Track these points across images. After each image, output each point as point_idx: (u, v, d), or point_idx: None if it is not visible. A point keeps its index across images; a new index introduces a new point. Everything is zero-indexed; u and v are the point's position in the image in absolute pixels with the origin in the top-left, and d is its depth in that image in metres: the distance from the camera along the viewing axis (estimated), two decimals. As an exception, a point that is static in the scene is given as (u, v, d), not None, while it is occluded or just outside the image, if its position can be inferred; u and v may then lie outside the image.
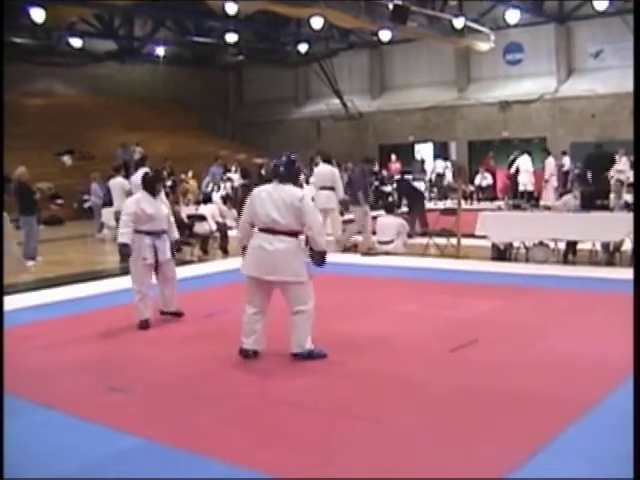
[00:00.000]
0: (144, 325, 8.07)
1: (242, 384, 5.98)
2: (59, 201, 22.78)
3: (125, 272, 12.19)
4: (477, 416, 5.07)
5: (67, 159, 27.10)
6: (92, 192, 18.86)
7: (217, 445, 4.73)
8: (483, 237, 12.33)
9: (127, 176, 14.27)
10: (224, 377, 6.20)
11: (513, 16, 24.71)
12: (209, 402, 5.55)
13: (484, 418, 5.04)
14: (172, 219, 8.58)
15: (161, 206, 8.36)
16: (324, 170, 14.22)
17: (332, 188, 13.82)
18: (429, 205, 21.12)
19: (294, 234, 6.44)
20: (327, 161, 14.54)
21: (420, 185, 20.94)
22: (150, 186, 8.31)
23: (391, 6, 22.51)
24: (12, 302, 9.49)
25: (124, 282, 11.24)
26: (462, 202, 14.83)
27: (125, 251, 8.01)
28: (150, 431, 4.93)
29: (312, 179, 16.07)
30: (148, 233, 8.11)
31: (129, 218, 8.01)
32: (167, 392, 5.83)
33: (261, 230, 6.48)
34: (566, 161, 23.36)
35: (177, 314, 8.49)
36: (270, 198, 6.41)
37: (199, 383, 6.05)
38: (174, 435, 4.86)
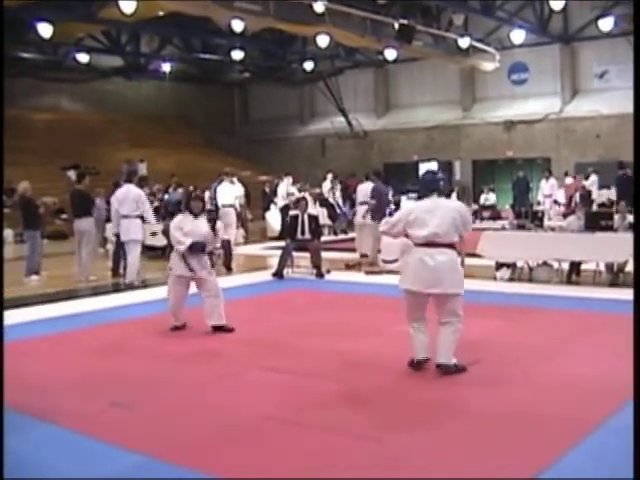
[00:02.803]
0: (174, 329, 8.65)
1: (242, 401, 5.96)
2: (64, 216, 22.76)
3: (125, 289, 12.32)
4: (480, 437, 5.04)
5: (72, 174, 27.13)
6: (95, 207, 18.84)
7: (217, 462, 4.71)
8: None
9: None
10: (225, 393, 6.18)
11: (518, 36, 24.84)
12: (210, 418, 5.54)
13: (487, 439, 5.01)
14: (211, 236, 8.73)
15: (200, 224, 8.62)
16: (367, 187, 15.27)
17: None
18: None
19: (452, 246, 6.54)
20: (368, 178, 15.82)
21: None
22: (187, 205, 8.84)
23: (397, 25, 22.64)
24: (16, 316, 9.48)
25: (126, 298, 11.34)
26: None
27: (195, 246, 8.42)
28: (151, 447, 4.92)
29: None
30: (189, 250, 8.46)
31: (175, 229, 8.61)
32: (168, 408, 5.81)
33: (422, 245, 6.53)
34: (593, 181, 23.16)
35: (220, 328, 8.48)
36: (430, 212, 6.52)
37: (200, 399, 6.03)
38: (175, 451, 4.84)
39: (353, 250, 15.58)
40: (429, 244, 6.44)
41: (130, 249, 12.51)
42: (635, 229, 10.44)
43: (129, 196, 12.54)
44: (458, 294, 6.52)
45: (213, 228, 8.63)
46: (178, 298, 8.68)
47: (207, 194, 21.20)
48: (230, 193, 17.69)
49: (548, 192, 23.36)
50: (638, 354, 5.05)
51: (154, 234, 15.31)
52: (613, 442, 4.83)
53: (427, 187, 6.75)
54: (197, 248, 8.46)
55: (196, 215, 8.67)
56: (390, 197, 18.96)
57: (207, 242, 8.60)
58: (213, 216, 8.82)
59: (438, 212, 6.46)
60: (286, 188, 21.75)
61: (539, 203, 23.04)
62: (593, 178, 23.43)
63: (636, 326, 5.53)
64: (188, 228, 8.53)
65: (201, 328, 8.59)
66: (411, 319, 6.71)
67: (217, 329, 8.48)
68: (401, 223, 6.68)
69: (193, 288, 8.72)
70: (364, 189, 15.46)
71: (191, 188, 21.83)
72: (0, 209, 12.81)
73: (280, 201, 21.48)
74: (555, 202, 22.95)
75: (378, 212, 13.96)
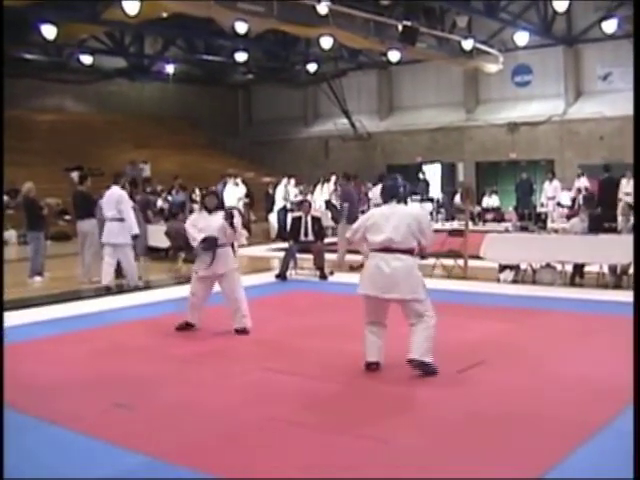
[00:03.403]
0: (181, 327, 8.64)
1: (244, 401, 5.96)
2: (67, 217, 22.78)
3: (129, 290, 12.33)
4: (484, 438, 5.04)
5: (75, 175, 27.15)
6: (98, 208, 18.83)
7: (220, 463, 4.71)
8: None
9: (132, 194, 14.18)
10: (228, 394, 6.18)
11: (522, 38, 24.83)
12: (212, 419, 5.54)
13: (491, 440, 5.01)
14: (229, 230, 8.53)
15: (213, 220, 8.53)
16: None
17: None
18: (436, 226, 21.05)
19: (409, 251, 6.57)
20: (382, 180, 15.56)
21: (426, 206, 21.09)
22: (202, 203, 8.99)
23: (400, 27, 22.66)
24: (19, 317, 9.51)
25: (130, 299, 11.34)
26: (469, 223, 14.81)
27: (208, 240, 8.39)
28: (153, 448, 4.92)
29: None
30: (202, 248, 8.47)
31: (189, 226, 8.71)
32: (170, 408, 5.81)
33: (378, 250, 6.58)
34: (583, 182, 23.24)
35: (239, 331, 8.46)
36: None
37: (202, 400, 6.03)
38: (177, 452, 4.84)
39: (356, 252, 15.49)
40: (385, 249, 6.51)
41: (120, 255, 12.19)
42: (635, 230, 10.43)
43: (112, 198, 12.26)
44: (416, 299, 6.50)
45: (232, 224, 8.50)
46: (198, 298, 8.64)
47: None
48: (234, 195, 17.77)
49: (551, 194, 23.34)
50: (638, 357, 5.04)
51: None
52: (617, 444, 4.82)
53: (387, 193, 6.87)
54: (209, 242, 8.38)
55: (210, 211, 8.61)
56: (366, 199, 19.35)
57: (220, 237, 8.45)
58: (230, 212, 8.70)
59: (394, 218, 6.53)
60: (284, 190, 21.72)
61: (542, 205, 23.01)
62: (583, 180, 23.46)
63: (636, 328, 5.52)
64: (202, 224, 8.53)
65: (207, 329, 8.61)
66: (368, 322, 6.77)
67: (239, 332, 8.45)
68: (362, 229, 6.77)
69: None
70: (378, 191, 15.58)
71: (197, 191, 21.92)
72: (0, 210, 12.76)
73: (278, 203, 21.42)
74: (558, 204, 22.92)
75: (350, 215, 14.05)
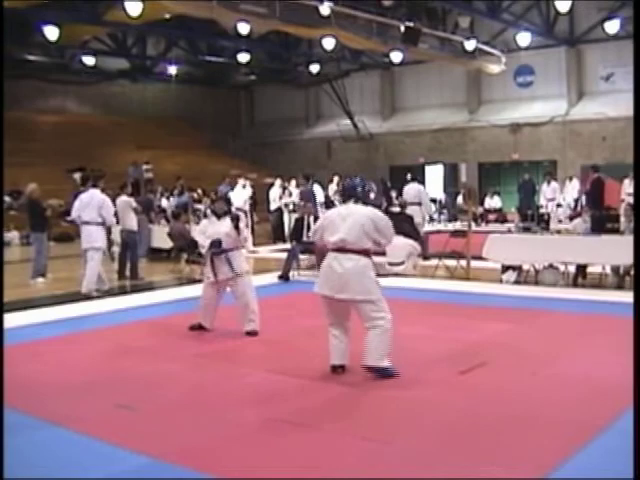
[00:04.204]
0: (194, 327, 8.69)
1: (249, 403, 5.96)
2: (69, 218, 22.80)
3: (132, 291, 12.34)
4: (485, 439, 5.04)
5: (78, 177, 27.18)
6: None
7: (223, 463, 4.71)
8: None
9: (133, 194, 14.19)
10: (231, 395, 6.18)
11: (524, 39, 24.82)
12: (215, 420, 5.54)
13: (492, 441, 5.01)
14: (234, 233, 8.55)
15: (221, 225, 8.54)
16: (412, 188, 16.25)
17: (419, 204, 15.86)
18: (439, 227, 21.10)
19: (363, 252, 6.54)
20: (414, 180, 16.99)
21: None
22: (211, 208, 9.02)
23: (403, 28, 22.66)
24: (22, 318, 9.53)
25: (133, 300, 11.36)
26: (472, 224, 14.81)
27: (214, 244, 8.40)
28: (156, 449, 4.92)
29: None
30: (212, 253, 8.47)
31: (197, 234, 8.82)
32: (173, 409, 5.82)
33: (333, 250, 6.59)
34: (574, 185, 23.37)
35: (250, 333, 8.44)
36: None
37: (205, 401, 6.04)
38: (180, 453, 4.84)
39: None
40: (339, 249, 6.50)
41: (89, 257, 11.78)
42: (635, 231, 10.42)
43: (92, 202, 11.88)
44: (368, 300, 6.44)
45: (237, 227, 8.52)
46: (207, 301, 8.67)
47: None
48: (241, 197, 17.87)
49: (550, 196, 23.23)
50: (638, 358, 5.03)
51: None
52: (619, 445, 4.80)
53: (346, 193, 6.91)
54: (214, 246, 8.39)
55: (219, 216, 8.62)
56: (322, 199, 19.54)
57: (228, 241, 8.46)
58: (235, 215, 8.72)
59: (350, 218, 6.51)
60: (278, 191, 21.71)
61: (540, 207, 22.93)
62: (574, 182, 23.45)
63: (636, 328, 5.52)
64: (211, 231, 8.54)
65: (213, 330, 8.63)
66: (329, 323, 6.76)
67: (249, 334, 8.43)
68: (320, 229, 6.78)
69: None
70: (410, 190, 16.31)
71: (199, 191, 21.94)
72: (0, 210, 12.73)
73: (272, 204, 21.37)
74: (558, 205, 22.86)
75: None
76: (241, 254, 8.77)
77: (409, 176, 17.83)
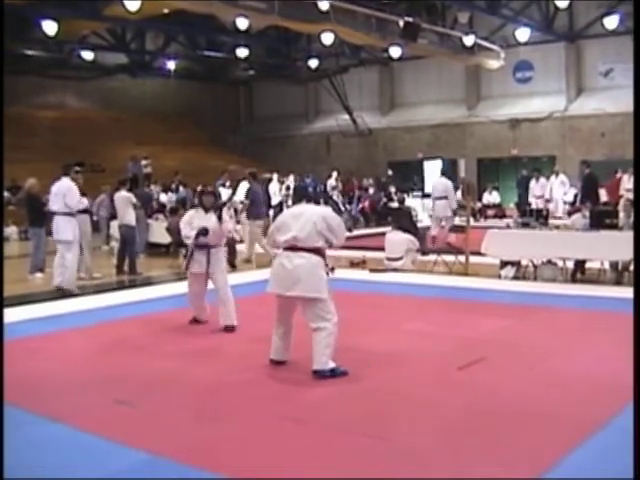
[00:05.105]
0: (192, 321, 8.85)
1: (247, 399, 5.96)
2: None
3: (130, 286, 12.34)
4: (484, 436, 5.04)
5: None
6: (101, 205, 18.86)
7: (222, 460, 4.71)
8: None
9: (131, 189, 14.15)
10: (229, 392, 6.18)
11: (523, 34, 24.82)
12: (215, 417, 5.54)
13: (491, 438, 5.01)
14: (219, 231, 8.62)
15: (209, 219, 8.56)
16: (440, 182, 16.56)
17: (446, 197, 16.11)
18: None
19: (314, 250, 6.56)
20: (443, 174, 17.30)
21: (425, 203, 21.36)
22: (199, 201, 8.87)
23: (402, 23, 22.65)
24: (21, 313, 9.53)
25: (132, 295, 11.35)
26: (470, 219, 14.80)
27: (200, 234, 8.39)
28: (156, 445, 4.91)
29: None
30: (195, 245, 8.50)
31: (183, 224, 8.69)
32: (173, 405, 5.81)
33: (285, 249, 6.64)
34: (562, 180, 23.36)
35: (229, 328, 8.49)
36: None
37: (205, 397, 6.04)
38: (180, 449, 4.84)
39: (358, 248, 15.48)
40: (290, 248, 6.55)
41: (62, 251, 11.31)
42: (635, 228, 10.42)
43: (59, 191, 11.38)
44: (318, 298, 6.47)
45: (219, 217, 8.54)
46: (194, 294, 8.78)
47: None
48: (276, 192, 18.24)
49: (539, 193, 23.11)
50: (638, 354, 5.03)
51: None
52: (618, 442, 4.80)
53: (298, 194, 6.97)
54: (201, 234, 8.40)
55: (207, 210, 8.64)
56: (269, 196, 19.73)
57: (210, 236, 8.48)
58: (219, 205, 8.75)
59: (302, 217, 6.55)
60: (277, 186, 21.76)
61: (530, 205, 22.79)
62: (561, 177, 23.39)
63: (636, 325, 5.52)
64: (197, 223, 8.54)
65: (212, 325, 8.65)
66: (275, 319, 6.84)
67: (227, 329, 8.48)
68: (274, 231, 6.82)
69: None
70: (438, 185, 16.51)
71: (200, 188, 21.94)
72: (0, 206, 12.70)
73: (273, 199, 21.38)
74: (547, 201, 22.73)
75: (252, 212, 14.40)
76: (223, 251, 8.88)
77: (439, 171, 18.39)
